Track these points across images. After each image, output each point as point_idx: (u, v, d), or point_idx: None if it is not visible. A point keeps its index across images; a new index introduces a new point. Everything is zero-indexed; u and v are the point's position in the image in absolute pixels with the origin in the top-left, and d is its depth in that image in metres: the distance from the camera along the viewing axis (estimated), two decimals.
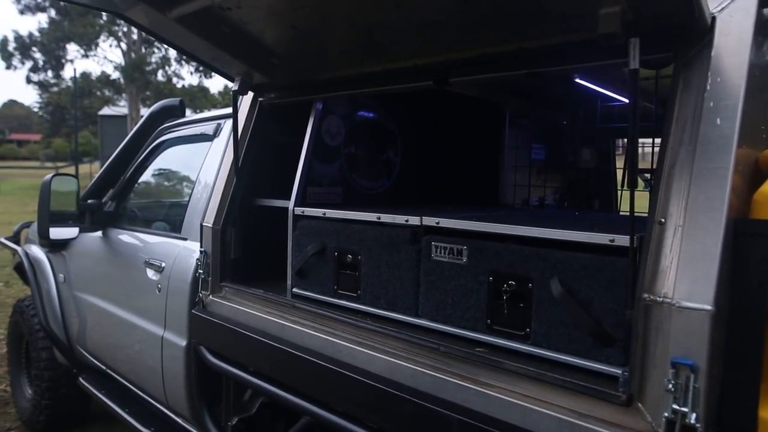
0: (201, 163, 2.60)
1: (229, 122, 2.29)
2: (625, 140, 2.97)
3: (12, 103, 61.55)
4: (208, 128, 2.65)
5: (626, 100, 2.25)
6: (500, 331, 1.32)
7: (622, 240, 1.12)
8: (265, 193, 2.13)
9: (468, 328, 1.38)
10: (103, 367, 3.01)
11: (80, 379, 3.14)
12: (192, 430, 2.37)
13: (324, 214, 1.81)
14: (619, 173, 3.01)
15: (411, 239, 1.52)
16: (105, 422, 3.45)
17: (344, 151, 2.15)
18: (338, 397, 1.51)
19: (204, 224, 2.13)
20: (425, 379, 1.31)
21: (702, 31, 1.07)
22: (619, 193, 3.06)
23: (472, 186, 2.59)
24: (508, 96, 2.37)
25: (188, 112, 3.21)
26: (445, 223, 1.47)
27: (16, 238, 3.91)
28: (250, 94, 2.12)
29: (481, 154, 2.60)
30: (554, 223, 1.40)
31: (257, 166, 2.12)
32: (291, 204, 1.92)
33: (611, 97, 2.23)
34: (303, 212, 1.88)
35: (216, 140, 2.58)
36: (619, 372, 1.09)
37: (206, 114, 2.84)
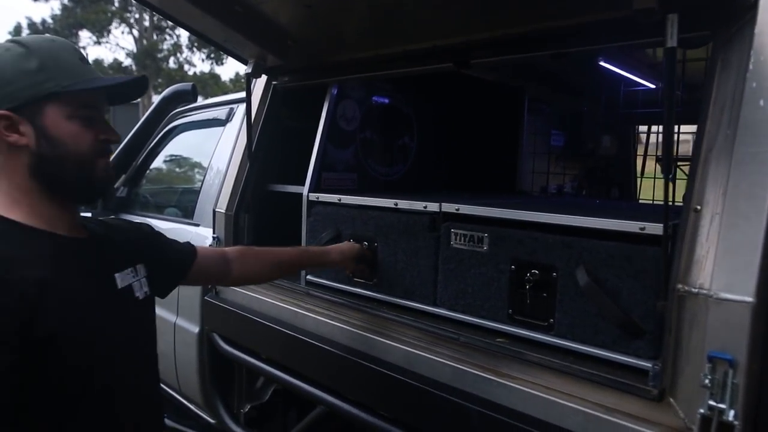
0: (213, 148, 2.58)
1: (242, 107, 2.25)
2: (646, 127, 2.90)
3: None
4: (220, 113, 2.62)
5: (651, 85, 2.18)
6: (522, 322, 1.28)
7: (653, 228, 1.07)
8: (279, 179, 2.09)
9: (488, 317, 1.34)
10: None
11: None
12: (204, 416, 2.37)
13: (339, 200, 1.77)
14: (639, 161, 2.94)
15: (429, 226, 1.48)
16: None
17: (359, 136, 2.10)
18: (353, 386, 1.48)
19: (216, 210, 2.10)
20: (444, 369, 1.27)
21: (745, 6, 1.00)
22: (638, 181, 2.99)
23: (489, 173, 2.53)
24: (529, 80, 2.31)
25: (200, 99, 3.17)
26: (466, 209, 1.43)
27: None
28: (264, 78, 2.07)
29: (498, 140, 2.54)
30: (577, 210, 1.35)
31: (271, 152, 2.09)
32: (305, 190, 1.88)
33: (635, 81, 2.16)
34: (317, 198, 1.84)
35: (228, 125, 2.54)
36: (649, 365, 1.05)
37: (219, 99, 2.80)
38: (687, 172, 1.05)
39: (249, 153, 2.00)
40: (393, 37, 1.62)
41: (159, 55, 26.69)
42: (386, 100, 2.23)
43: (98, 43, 27.06)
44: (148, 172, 3.15)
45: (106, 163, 1.00)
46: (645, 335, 1.07)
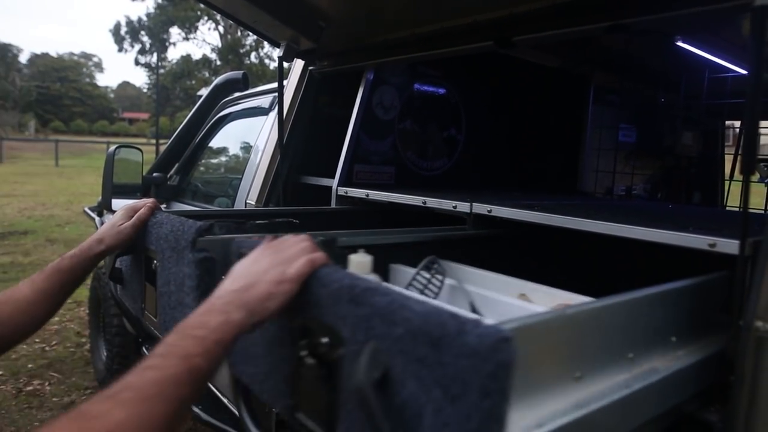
0: (256, 137, 2.50)
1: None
2: (739, 122, 2.51)
3: (125, 84, 66.67)
4: (263, 101, 2.53)
5: (743, 71, 1.84)
6: None
7: (727, 245, 0.83)
8: (316, 171, 1.97)
9: None
10: None
11: (144, 348, 3.20)
12: (235, 412, 2.30)
13: (367, 195, 1.62)
14: (728, 161, 2.56)
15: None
16: None
17: (398, 126, 1.93)
18: None
19: (248, 202, 2.02)
20: None
21: None
22: (726, 185, 2.61)
23: (547, 170, 2.28)
24: (594, 66, 2.04)
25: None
26: (499, 212, 1.23)
27: (100, 208, 4.07)
28: (300, 64, 1.95)
29: (558, 134, 2.28)
30: (636, 217, 1.11)
31: (306, 141, 1.96)
32: (335, 183, 1.75)
33: (723, 66, 1.83)
34: (346, 192, 1.70)
35: (271, 114, 2.46)
36: (714, 420, 0.81)
37: (264, 87, 2.73)
38: None
39: (280, 143, 1.89)
40: (429, 12, 1.44)
41: (242, 51, 27.74)
42: (430, 88, 2.04)
43: (187, 39, 28.57)
44: (199, 160, 3.15)
45: None
46: None
